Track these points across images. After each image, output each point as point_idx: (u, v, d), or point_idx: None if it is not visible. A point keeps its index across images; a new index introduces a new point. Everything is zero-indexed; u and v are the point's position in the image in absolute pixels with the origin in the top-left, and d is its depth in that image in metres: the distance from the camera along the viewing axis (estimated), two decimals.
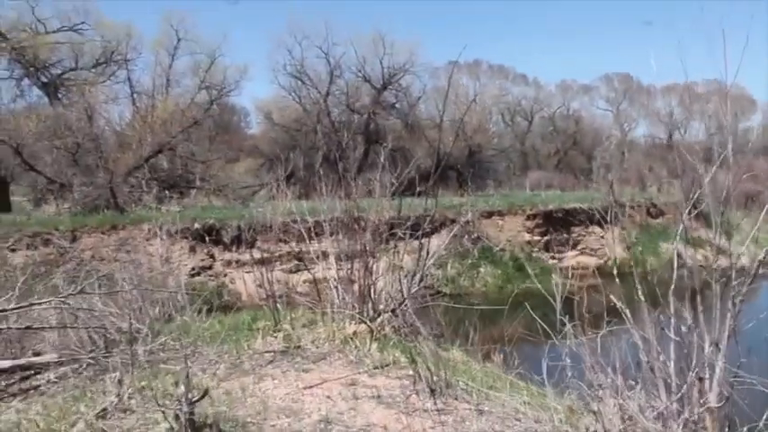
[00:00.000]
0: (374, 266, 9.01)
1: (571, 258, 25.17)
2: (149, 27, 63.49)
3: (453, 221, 20.83)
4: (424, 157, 35.46)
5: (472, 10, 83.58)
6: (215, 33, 41.21)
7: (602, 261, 25.34)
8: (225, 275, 20.37)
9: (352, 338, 8.34)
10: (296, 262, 20.52)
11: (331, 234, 10.20)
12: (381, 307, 8.99)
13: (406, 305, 8.95)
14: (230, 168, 36.44)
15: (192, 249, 20.21)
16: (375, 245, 9.25)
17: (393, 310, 8.94)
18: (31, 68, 36.17)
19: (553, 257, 24.62)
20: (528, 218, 24.79)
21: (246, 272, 20.10)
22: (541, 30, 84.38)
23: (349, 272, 9.11)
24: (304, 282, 20.22)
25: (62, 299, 7.93)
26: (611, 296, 5.60)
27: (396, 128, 41.62)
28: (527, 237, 24.38)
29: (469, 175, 36.93)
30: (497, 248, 22.73)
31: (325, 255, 10.31)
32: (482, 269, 21.68)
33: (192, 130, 29.54)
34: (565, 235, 25.37)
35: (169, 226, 19.61)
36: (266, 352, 7.90)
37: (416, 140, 39.49)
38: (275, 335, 8.56)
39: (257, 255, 20.30)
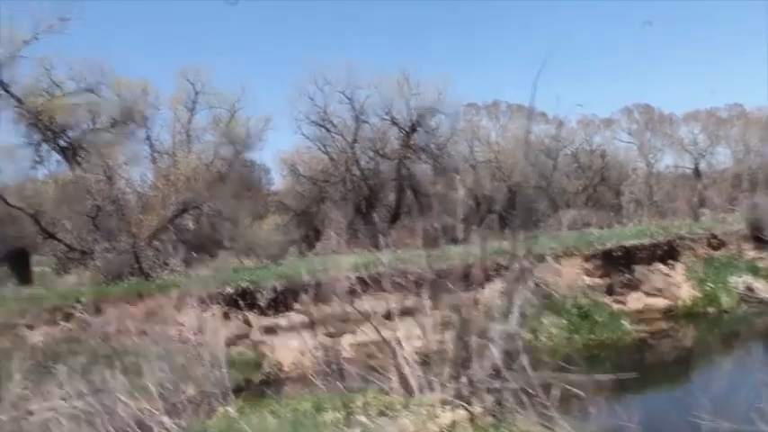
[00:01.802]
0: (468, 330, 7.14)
1: (636, 301, 23.10)
2: (166, 83, 62.94)
3: (507, 268, 18.96)
4: (460, 202, 33.69)
5: (489, 49, 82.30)
6: (233, 85, 40.12)
7: (670, 302, 23.30)
8: (263, 343, 18.56)
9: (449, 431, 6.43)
10: (340, 323, 18.78)
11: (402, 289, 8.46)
12: (480, 383, 7.07)
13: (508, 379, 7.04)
14: (257, 226, 34.85)
15: (226, 316, 18.45)
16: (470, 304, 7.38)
17: (497, 389, 7.02)
18: (49, 132, 35.15)
19: (617, 301, 22.58)
20: (586, 259, 22.81)
21: (287, 338, 18.36)
22: (556, 64, 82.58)
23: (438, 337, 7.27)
24: (350, 346, 18.52)
25: (70, 398, 6.12)
26: None
27: (428, 172, 39.86)
28: (587, 280, 22.40)
29: (513, 216, 34.92)
30: (558, 295, 20.72)
31: (396, 314, 8.50)
32: (544, 320, 19.66)
33: (217, 187, 28.04)
34: (627, 275, 23.30)
35: (199, 292, 17.86)
36: None
37: (450, 184, 37.71)
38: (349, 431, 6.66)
39: (299, 318, 18.61)
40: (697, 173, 59.58)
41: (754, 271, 25.53)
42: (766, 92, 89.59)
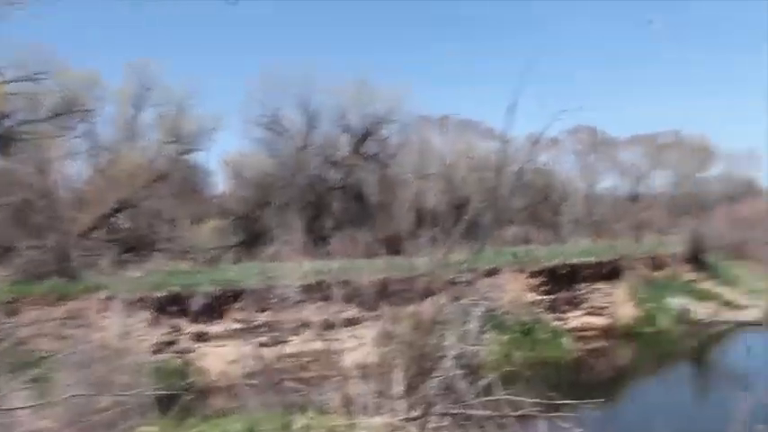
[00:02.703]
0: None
1: (577, 319, 23.15)
2: (113, 77, 60.86)
3: (454, 283, 18.59)
4: (406, 213, 33.33)
5: (442, 65, 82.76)
6: (184, 84, 39.00)
7: (610, 320, 23.44)
8: (192, 351, 17.75)
9: None
10: (273, 334, 18.11)
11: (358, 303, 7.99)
12: (434, 403, 6.48)
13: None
14: (196, 229, 33.86)
15: (155, 321, 17.60)
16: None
17: (452, 412, 6.44)
18: None
19: (558, 318, 22.52)
20: (530, 275, 22.67)
21: (218, 346, 17.65)
22: (505, 81, 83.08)
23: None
24: (286, 356, 17.83)
25: None
26: None
27: (376, 181, 39.36)
28: (530, 296, 22.24)
29: (459, 230, 34.69)
30: (501, 311, 20.50)
31: (351, 322, 8.00)
32: (486, 335, 19.37)
33: (158, 187, 27.05)
34: (570, 293, 23.28)
35: (128, 295, 17.01)
36: None
37: (397, 195, 37.33)
38: None
39: (233, 326, 17.95)
40: (635, 196, 61.08)
41: (691, 293, 26.05)
42: (703, 120, 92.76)
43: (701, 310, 25.14)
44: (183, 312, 18.30)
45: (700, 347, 23.07)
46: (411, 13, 79.96)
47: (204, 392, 15.21)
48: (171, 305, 18.10)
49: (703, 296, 26.19)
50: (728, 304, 26.24)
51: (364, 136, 39.79)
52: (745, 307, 26.59)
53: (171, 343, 17.60)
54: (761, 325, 24.60)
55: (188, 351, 17.68)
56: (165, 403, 9.39)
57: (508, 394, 6.69)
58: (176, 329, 17.92)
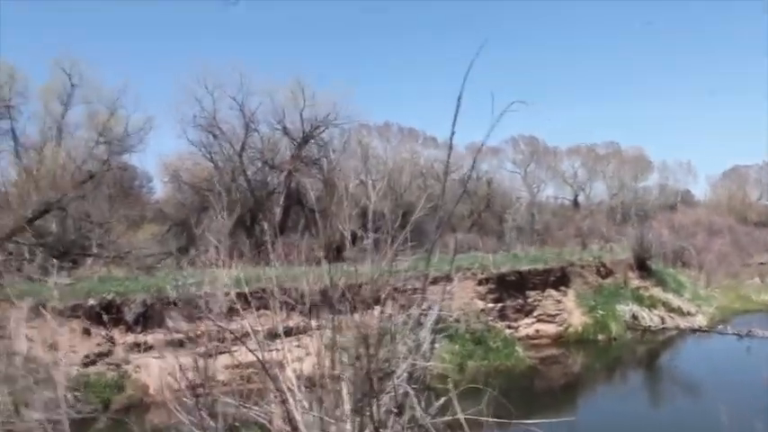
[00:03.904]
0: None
1: (528, 326, 22.83)
2: (37, 72, 57.24)
3: (399, 291, 17.83)
4: (350, 218, 32.49)
5: (382, 73, 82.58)
6: (115, 81, 36.90)
7: (561, 328, 23.14)
8: (128, 363, 16.47)
9: None
10: (216, 343, 17.00)
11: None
12: (383, 423, 5.73)
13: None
14: (131, 235, 32.21)
15: (86, 332, 16.28)
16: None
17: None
18: None
19: (509, 326, 22.06)
20: (479, 283, 22.13)
21: (155, 357, 16.40)
22: (444, 91, 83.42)
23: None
24: (225, 367, 16.77)
25: None
26: None
27: (318, 186, 38.42)
28: (480, 304, 21.69)
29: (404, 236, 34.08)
30: (451, 319, 19.82)
31: (294, 331, 7.12)
32: (436, 344, 18.65)
33: (89, 188, 25.43)
34: (520, 300, 22.89)
35: (56, 303, 15.67)
36: None
37: (340, 200, 36.38)
38: None
39: (170, 336, 16.72)
40: (576, 204, 61.97)
41: (639, 300, 26.06)
42: (639, 131, 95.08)
43: (650, 317, 25.17)
44: (118, 321, 17.03)
45: (651, 354, 23.03)
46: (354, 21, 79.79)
47: (142, 406, 14.08)
48: (104, 314, 16.78)
49: (651, 303, 26.25)
50: (676, 311, 26.36)
51: (304, 139, 38.83)
52: (693, 314, 26.80)
53: (105, 354, 16.32)
54: (707, 331, 24.90)
55: (124, 363, 16.43)
56: (100, 420, 8.44)
57: (465, 411, 5.94)
58: (110, 340, 16.64)
